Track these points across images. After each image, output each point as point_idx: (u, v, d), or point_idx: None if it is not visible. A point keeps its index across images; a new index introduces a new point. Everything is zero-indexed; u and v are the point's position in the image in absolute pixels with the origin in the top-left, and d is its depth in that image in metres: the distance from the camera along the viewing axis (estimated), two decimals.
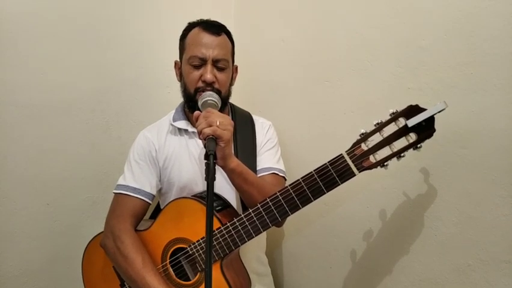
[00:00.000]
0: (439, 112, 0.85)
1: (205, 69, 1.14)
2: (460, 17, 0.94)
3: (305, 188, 0.97)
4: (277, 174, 1.23)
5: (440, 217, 1.00)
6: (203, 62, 1.15)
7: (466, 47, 0.93)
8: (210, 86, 1.14)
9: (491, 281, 0.92)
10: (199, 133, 0.98)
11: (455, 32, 0.95)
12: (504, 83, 0.87)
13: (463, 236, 0.97)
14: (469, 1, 0.92)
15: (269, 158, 1.25)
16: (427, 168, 1.03)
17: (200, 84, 1.15)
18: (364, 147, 0.93)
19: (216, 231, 1.05)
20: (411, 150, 0.90)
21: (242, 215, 1.04)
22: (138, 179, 1.20)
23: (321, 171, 0.96)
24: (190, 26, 1.22)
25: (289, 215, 1.01)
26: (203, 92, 1.14)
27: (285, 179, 1.25)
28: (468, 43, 0.93)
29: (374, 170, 0.94)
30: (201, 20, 1.23)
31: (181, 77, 1.24)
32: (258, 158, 1.24)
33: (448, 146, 0.98)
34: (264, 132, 1.29)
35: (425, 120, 0.86)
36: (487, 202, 0.92)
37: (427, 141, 0.90)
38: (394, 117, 0.90)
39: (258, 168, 1.22)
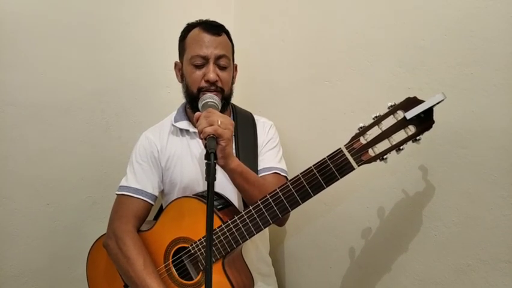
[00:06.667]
0: (438, 103, 0.84)
1: (207, 69, 1.14)
2: (460, 17, 0.94)
3: (305, 183, 0.97)
4: (279, 174, 1.23)
5: (440, 217, 1.01)
6: (205, 60, 1.15)
7: (466, 47, 0.93)
8: (213, 85, 1.15)
9: (491, 281, 0.92)
10: (200, 132, 0.98)
11: (455, 32, 0.95)
12: (504, 83, 0.88)
13: (463, 236, 0.97)
14: (469, 1, 0.92)
15: (271, 157, 1.25)
16: (427, 168, 1.03)
17: (203, 84, 1.15)
18: (363, 140, 0.93)
19: (217, 229, 1.05)
20: (411, 145, 0.89)
21: (243, 212, 1.04)
22: (140, 180, 1.20)
23: (320, 166, 0.96)
24: (190, 27, 1.21)
25: (289, 211, 1.00)
26: (206, 92, 1.14)
27: (287, 179, 1.24)
28: (468, 43, 0.93)
29: (374, 168, 0.94)
30: (200, 20, 1.22)
31: (182, 77, 1.23)
32: (260, 158, 1.24)
33: (447, 146, 0.98)
34: (266, 132, 1.29)
35: (423, 112, 0.86)
36: (487, 202, 0.92)
37: (427, 141, 0.90)
38: (392, 109, 0.90)
39: (259, 168, 1.22)
